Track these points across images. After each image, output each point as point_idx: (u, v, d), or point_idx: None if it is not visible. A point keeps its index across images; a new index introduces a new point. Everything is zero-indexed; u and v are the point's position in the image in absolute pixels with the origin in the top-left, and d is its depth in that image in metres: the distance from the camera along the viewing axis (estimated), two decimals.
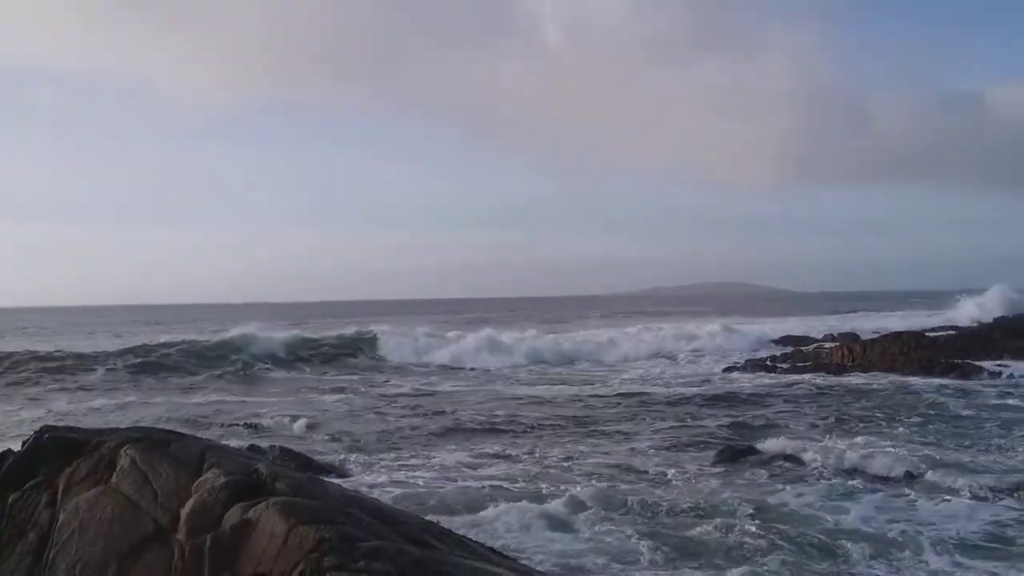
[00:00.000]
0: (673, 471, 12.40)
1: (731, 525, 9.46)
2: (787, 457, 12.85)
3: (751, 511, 9.99)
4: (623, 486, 11.50)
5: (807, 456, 12.91)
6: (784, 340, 40.14)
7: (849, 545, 8.85)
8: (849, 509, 10.23)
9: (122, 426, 7.83)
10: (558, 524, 9.70)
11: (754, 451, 13.33)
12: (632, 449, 14.35)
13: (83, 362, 28.54)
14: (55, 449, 6.91)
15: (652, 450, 14.22)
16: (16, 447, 7.31)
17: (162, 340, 33.39)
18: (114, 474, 6.16)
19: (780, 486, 11.35)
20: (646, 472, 12.40)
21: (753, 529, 9.35)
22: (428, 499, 10.88)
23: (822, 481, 11.66)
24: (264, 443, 14.19)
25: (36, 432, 7.24)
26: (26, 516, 6.23)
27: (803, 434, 15.47)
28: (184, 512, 5.46)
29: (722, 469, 12.57)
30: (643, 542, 9.00)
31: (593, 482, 11.71)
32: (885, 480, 11.58)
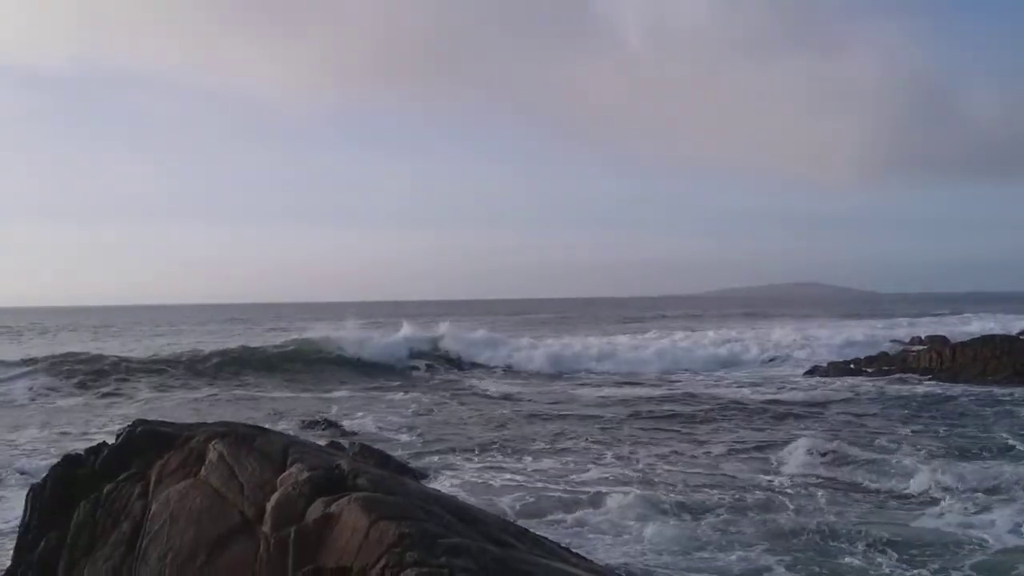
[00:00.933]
0: (766, 478, 12.10)
1: (860, 540, 8.93)
2: (874, 461, 12.48)
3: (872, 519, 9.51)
4: (717, 492, 11.26)
5: (907, 462, 12.52)
6: (868, 342, 38.95)
7: None
8: (994, 522, 9.44)
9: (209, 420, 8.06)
10: (664, 529, 9.46)
11: (835, 453, 13.01)
12: (718, 455, 14.07)
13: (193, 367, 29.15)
14: (147, 442, 7.17)
15: (737, 455, 13.92)
16: (110, 440, 7.63)
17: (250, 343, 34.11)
18: (203, 467, 6.36)
19: (888, 499, 10.89)
20: (738, 479, 12.10)
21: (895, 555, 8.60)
22: (512, 500, 10.90)
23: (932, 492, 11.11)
24: (344, 440, 14.46)
25: (129, 425, 7.53)
26: (120, 506, 6.47)
27: (895, 439, 15.00)
28: (269, 505, 5.60)
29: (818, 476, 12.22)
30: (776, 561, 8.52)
31: (690, 489, 11.45)
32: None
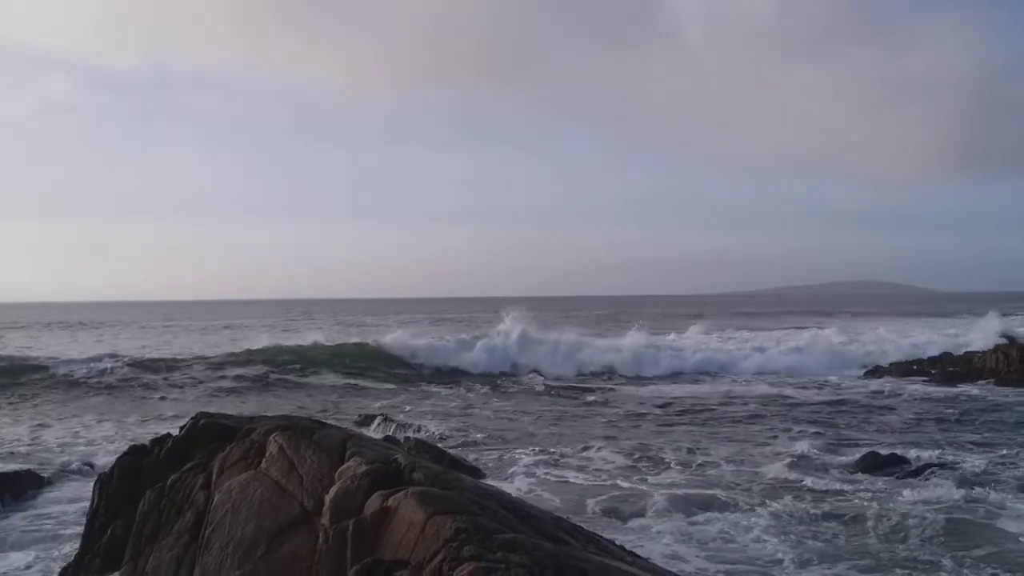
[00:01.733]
0: (820, 479, 11.88)
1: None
2: (940, 466, 12.13)
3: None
4: (775, 489, 11.11)
5: (966, 464, 12.17)
6: (931, 343, 37.82)
7: None
8: None
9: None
10: (728, 533, 9.30)
11: (900, 459, 12.68)
12: (777, 453, 13.85)
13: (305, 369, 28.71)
14: (209, 434, 7.36)
15: (795, 455, 13.66)
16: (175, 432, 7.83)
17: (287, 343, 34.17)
18: (263, 459, 6.49)
19: (952, 495, 10.59)
20: (793, 479, 11.88)
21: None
22: (568, 499, 10.89)
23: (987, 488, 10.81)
24: (399, 435, 14.61)
25: (192, 418, 7.72)
26: (184, 496, 6.64)
27: (950, 442, 14.61)
28: (328, 498, 5.68)
29: (871, 476, 11.96)
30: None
31: (750, 488, 11.30)
32: None
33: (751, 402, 21.01)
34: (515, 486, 11.34)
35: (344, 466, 6.01)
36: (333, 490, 5.70)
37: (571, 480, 12.01)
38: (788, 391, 23.45)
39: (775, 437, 15.69)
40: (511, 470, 12.73)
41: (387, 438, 13.02)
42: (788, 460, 13.16)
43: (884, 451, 13.24)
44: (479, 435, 16.10)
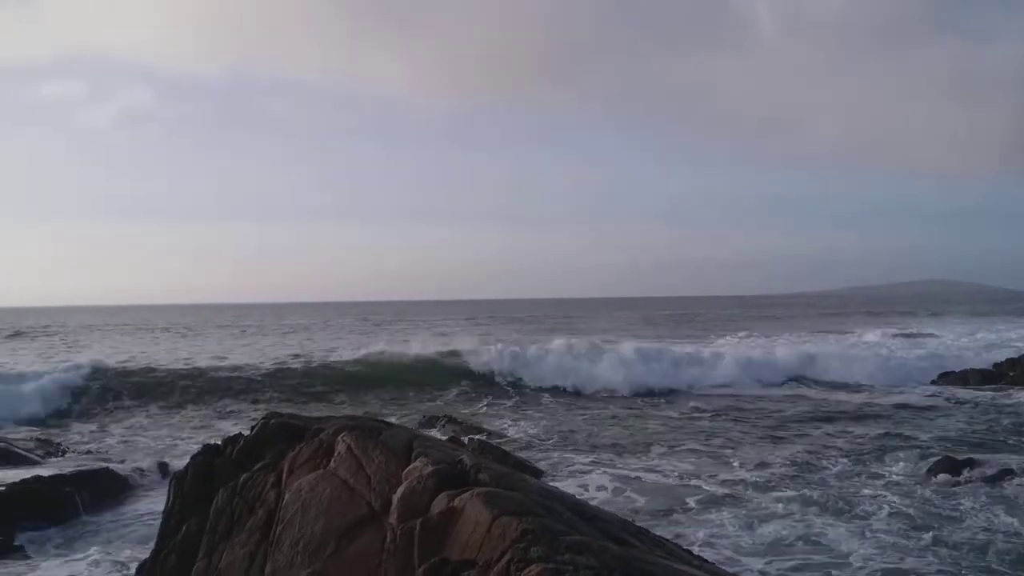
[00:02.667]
0: (900, 481, 11.58)
1: None
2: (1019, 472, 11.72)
3: None
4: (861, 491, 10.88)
5: None
6: (1004, 344, 36.41)
7: None
8: None
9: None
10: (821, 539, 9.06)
11: (974, 463, 12.29)
12: (845, 457, 13.56)
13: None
14: (279, 434, 7.50)
15: (861, 459, 13.39)
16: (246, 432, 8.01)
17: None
18: (332, 459, 6.59)
19: None
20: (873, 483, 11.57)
21: None
22: (632, 498, 10.83)
23: None
24: (463, 436, 14.69)
25: (263, 417, 7.89)
26: (255, 495, 6.79)
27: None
28: (395, 497, 5.75)
29: (951, 480, 11.60)
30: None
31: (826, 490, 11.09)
32: None
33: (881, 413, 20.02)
34: (581, 488, 11.31)
35: (411, 466, 6.07)
36: (400, 490, 5.77)
37: (642, 481, 11.92)
38: (850, 395, 22.84)
39: (839, 441, 15.36)
40: (574, 471, 12.70)
41: (451, 439, 13.11)
42: (858, 461, 12.88)
43: (959, 456, 12.86)
44: (544, 437, 16.11)
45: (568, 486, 11.22)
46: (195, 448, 8.59)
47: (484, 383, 26.11)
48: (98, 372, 23.46)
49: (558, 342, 30.37)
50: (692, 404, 21.65)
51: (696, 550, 7.58)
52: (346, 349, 32.90)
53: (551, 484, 9.71)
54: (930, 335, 40.06)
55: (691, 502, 10.62)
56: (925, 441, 15.01)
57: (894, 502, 10.39)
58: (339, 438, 6.72)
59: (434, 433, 14.76)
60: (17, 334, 56.32)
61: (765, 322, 64.33)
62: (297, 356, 30.42)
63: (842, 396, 23.00)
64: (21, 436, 15.52)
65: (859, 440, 15.33)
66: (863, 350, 34.02)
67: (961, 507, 10.09)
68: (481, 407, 21.30)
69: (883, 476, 12.05)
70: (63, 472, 10.87)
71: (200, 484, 7.46)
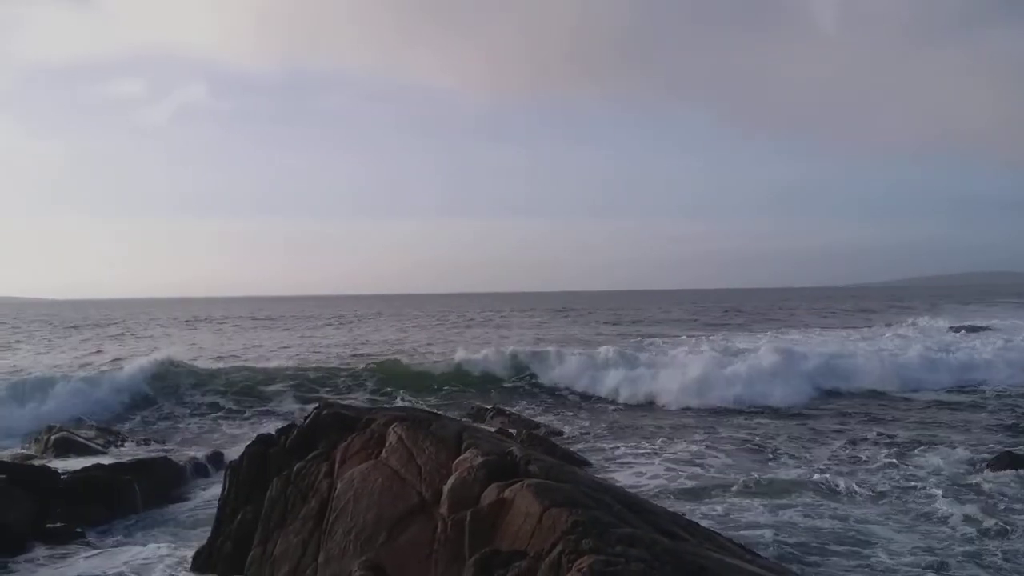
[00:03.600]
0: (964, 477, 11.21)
1: None
2: None
3: None
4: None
5: None
6: None
7: None
8: None
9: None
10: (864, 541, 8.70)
11: None
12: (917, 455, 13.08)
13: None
14: (332, 424, 7.61)
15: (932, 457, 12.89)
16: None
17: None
18: (383, 449, 6.68)
19: None
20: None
21: None
22: (684, 491, 10.71)
23: None
24: (512, 428, 14.70)
25: (316, 408, 8.01)
26: (309, 484, 6.90)
27: None
28: (446, 488, 5.80)
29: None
30: None
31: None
32: None
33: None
34: (631, 480, 11.26)
35: (461, 457, 6.12)
36: (451, 480, 5.81)
37: (691, 475, 11.78)
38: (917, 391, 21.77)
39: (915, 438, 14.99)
40: (623, 463, 12.64)
41: (500, 431, 13.15)
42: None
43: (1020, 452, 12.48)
44: (593, 430, 16.07)
45: (618, 478, 11.19)
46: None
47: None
48: (175, 366, 22.92)
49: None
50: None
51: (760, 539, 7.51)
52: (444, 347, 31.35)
53: (600, 476, 9.72)
54: (998, 327, 37.93)
55: (751, 494, 10.48)
56: (987, 437, 14.57)
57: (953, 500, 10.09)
58: (390, 429, 6.80)
59: (483, 425, 14.83)
60: (96, 325, 57.31)
61: (857, 315, 61.64)
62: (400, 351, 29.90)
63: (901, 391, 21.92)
64: (84, 427, 15.90)
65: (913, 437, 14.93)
66: (916, 339, 32.54)
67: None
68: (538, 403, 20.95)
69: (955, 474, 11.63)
70: (122, 461, 11.13)
71: (255, 473, 7.61)
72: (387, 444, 6.67)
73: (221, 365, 25.26)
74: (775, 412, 18.98)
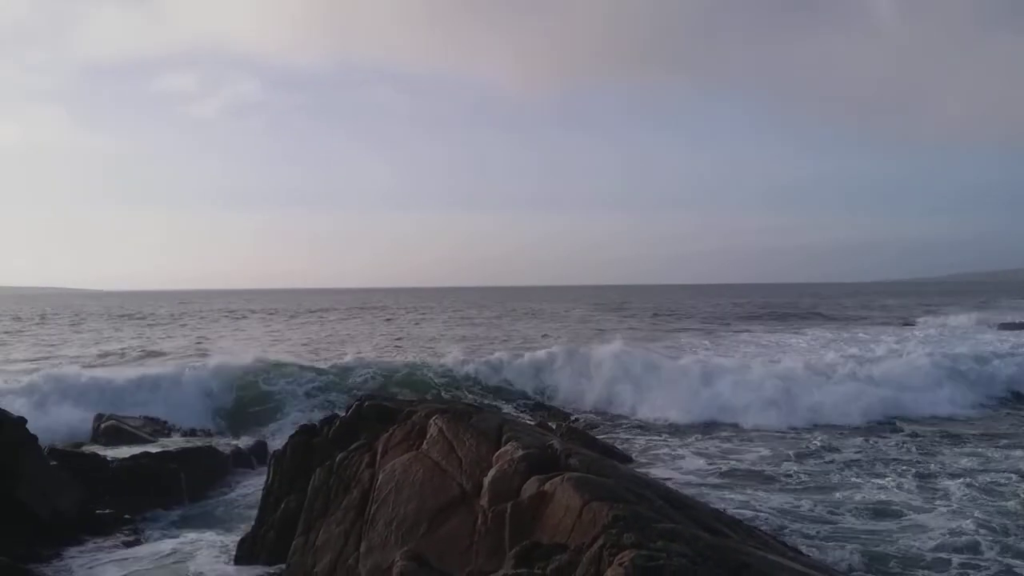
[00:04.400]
0: None
1: None
2: None
3: None
4: None
5: None
6: None
7: None
8: None
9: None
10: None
11: None
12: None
13: None
14: (373, 416, 7.69)
15: None
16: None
17: None
18: (424, 441, 6.72)
19: None
20: None
21: None
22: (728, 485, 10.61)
23: None
24: (552, 421, 14.68)
25: (358, 400, 8.09)
26: (351, 474, 6.97)
27: None
28: (487, 480, 5.81)
29: None
30: None
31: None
32: None
33: None
34: (674, 470, 11.20)
35: (501, 450, 6.13)
36: (491, 473, 5.83)
37: (732, 470, 11.67)
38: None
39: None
40: (664, 457, 12.57)
41: (539, 424, 13.15)
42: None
43: None
44: (632, 422, 16.00)
45: (658, 471, 11.14)
46: None
47: None
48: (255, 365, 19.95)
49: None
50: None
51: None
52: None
53: (641, 471, 9.67)
54: None
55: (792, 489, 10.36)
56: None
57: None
58: (431, 421, 6.84)
59: (523, 418, 14.85)
60: (172, 317, 57.25)
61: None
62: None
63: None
64: (130, 415, 16.12)
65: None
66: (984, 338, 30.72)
67: None
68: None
69: None
70: (168, 449, 11.32)
71: (298, 463, 7.71)
72: (428, 436, 6.71)
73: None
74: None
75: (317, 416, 14.86)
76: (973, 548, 8.01)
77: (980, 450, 12.81)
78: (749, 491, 10.33)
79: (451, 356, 21.88)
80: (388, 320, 52.96)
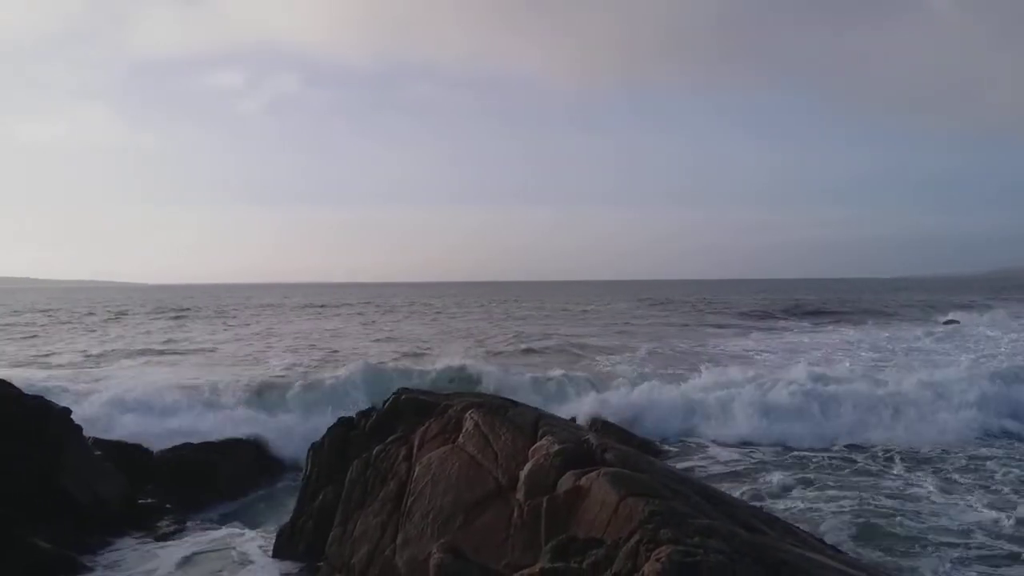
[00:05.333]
0: None
1: None
2: None
3: None
4: None
5: None
6: None
7: None
8: None
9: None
10: None
11: None
12: None
13: None
14: (410, 409, 7.73)
15: None
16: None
17: None
18: (460, 435, 6.75)
19: None
20: None
21: None
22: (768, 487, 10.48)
23: None
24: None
25: (395, 393, 8.14)
26: (388, 466, 7.02)
27: None
28: (522, 474, 5.82)
29: None
30: None
31: None
32: None
33: None
34: (707, 460, 11.11)
35: (537, 444, 6.13)
36: (527, 467, 5.83)
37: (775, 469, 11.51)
38: None
39: None
40: (698, 451, 12.50)
41: (573, 418, 13.15)
42: None
43: None
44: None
45: (693, 463, 11.07)
46: None
47: None
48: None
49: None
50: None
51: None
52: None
53: (677, 466, 9.62)
54: None
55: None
56: None
57: None
58: (467, 415, 6.86)
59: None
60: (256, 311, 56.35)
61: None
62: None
63: None
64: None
65: None
66: None
67: None
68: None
69: None
70: (211, 441, 11.49)
71: (336, 455, 7.78)
72: (464, 429, 6.74)
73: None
74: None
75: None
76: None
77: None
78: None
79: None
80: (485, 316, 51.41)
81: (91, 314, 54.07)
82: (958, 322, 38.75)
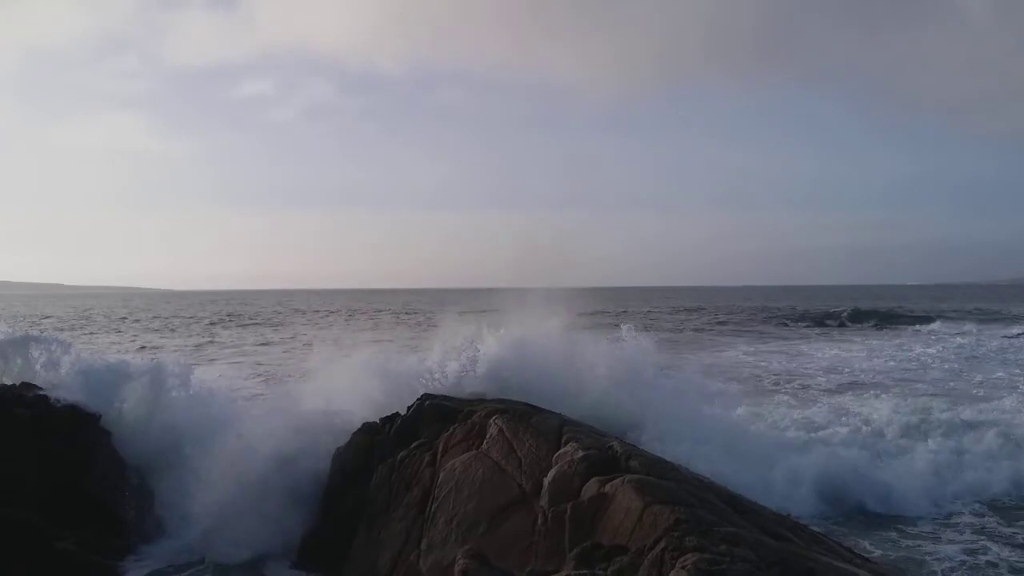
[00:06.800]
0: None
1: None
2: None
3: None
4: None
5: None
6: None
7: None
8: None
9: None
10: None
11: None
12: None
13: None
14: (434, 415, 7.74)
15: None
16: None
17: None
18: (484, 441, 6.75)
19: None
20: None
21: None
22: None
23: None
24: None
25: (419, 399, 8.16)
26: (412, 472, 7.04)
27: None
28: (546, 481, 5.81)
29: None
30: None
31: None
32: None
33: None
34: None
35: (561, 450, 6.12)
36: (551, 473, 5.82)
37: None
38: None
39: None
40: None
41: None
42: None
43: None
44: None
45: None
46: None
47: None
48: None
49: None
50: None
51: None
52: None
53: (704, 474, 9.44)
54: None
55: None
56: None
57: None
58: (491, 421, 6.87)
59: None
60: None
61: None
62: None
63: None
64: None
65: None
66: None
67: None
68: None
69: None
70: None
71: (360, 460, 7.81)
72: (488, 436, 6.74)
73: None
74: None
75: None
76: None
77: None
78: None
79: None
80: None
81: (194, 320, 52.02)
82: None
